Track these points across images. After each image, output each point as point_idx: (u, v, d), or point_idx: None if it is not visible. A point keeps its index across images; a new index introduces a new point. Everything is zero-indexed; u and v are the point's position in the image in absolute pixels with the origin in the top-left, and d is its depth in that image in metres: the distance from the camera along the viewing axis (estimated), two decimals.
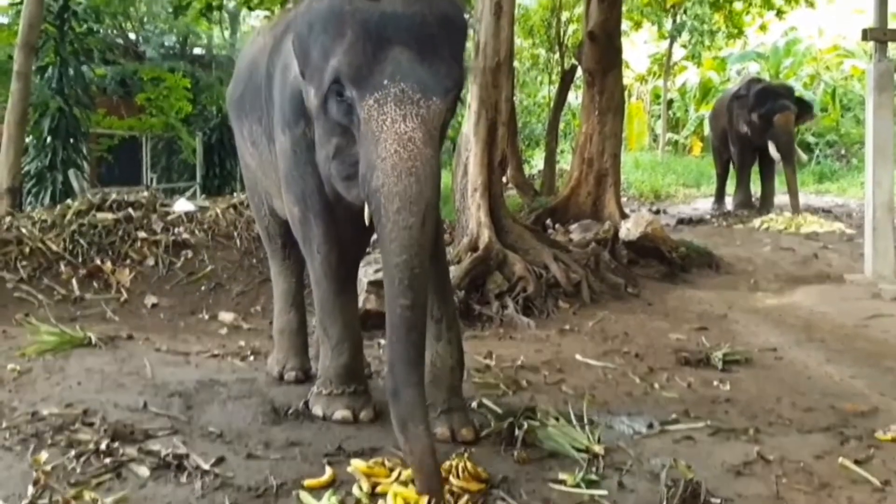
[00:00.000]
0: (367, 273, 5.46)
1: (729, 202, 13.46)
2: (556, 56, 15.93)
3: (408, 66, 2.69)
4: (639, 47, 25.60)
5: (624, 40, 12.68)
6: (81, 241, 6.28)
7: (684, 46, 22.44)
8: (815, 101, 20.87)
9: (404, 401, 2.61)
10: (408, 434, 2.59)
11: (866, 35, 7.18)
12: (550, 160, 13.82)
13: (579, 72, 11.11)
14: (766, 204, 12.74)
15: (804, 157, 15.99)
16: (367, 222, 2.79)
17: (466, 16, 3.05)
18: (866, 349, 5.01)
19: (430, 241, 2.70)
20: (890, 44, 7.34)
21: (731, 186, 13.70)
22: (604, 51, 8.89)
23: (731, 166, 13.59)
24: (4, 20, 12.75)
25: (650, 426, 3.47)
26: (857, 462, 3.04)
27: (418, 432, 2.58)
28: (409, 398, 2.61)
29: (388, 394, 2.65)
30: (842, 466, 3.02)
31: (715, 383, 4.22)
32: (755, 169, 13.09)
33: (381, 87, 2.66)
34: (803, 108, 12.43)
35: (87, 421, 3.22)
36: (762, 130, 11.97)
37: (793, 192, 11.70)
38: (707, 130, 22.79)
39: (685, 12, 20.37)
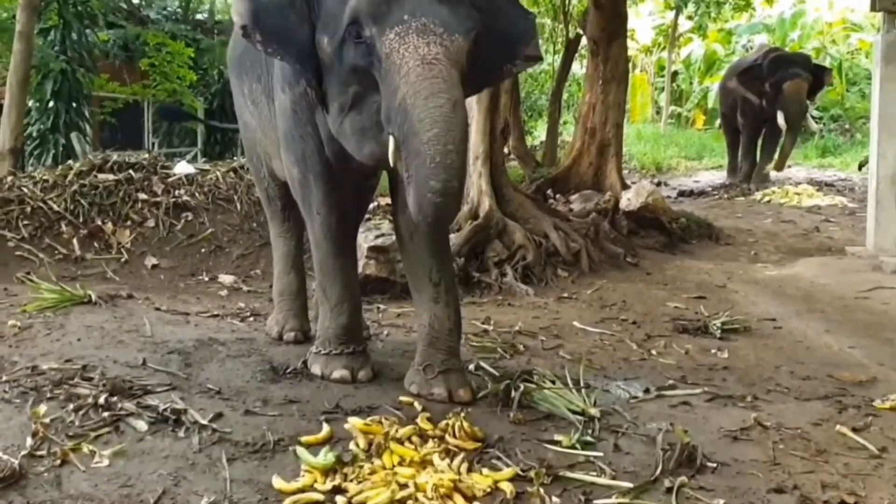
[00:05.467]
0: (367, 238, 5.46)
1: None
2: (561, 25, 15.77)
3: (427, 4, 2.69)
4: (644, 18, 25.38)
5: (629, 10, 12.57)
6: (82, 201, 6.28)
7: (690, 18, 22.20)
8: None
9: None
10: None
11: (875, 5, 7.06)
12: (553, 131, 13.76)
13: (584, 42, 11.00)
14: (760, 173, 12.67)
15: (815, 126, 15.63)
16: (391, 161, 2.73)
17: None
18: (866, 320, 5.01)
19: (464, 132, 2.67)
20: None
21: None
22: (609, 18, 8.81)
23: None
24: None
25: (647, 391, 3.48)
26: (854, 430, 3.05)
27: None
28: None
29: None
30: (839, 434, 3.03)
31: (713, 351, 4.24)
32: None
33: (402, 22, 2.65)
34: (820, 76, 12.25)
35: (86, 376, 3.22)
36: (773, 99, 11.79)
37: (783, 155, 11.55)
38: (711, 103, 22.71)
39: None
